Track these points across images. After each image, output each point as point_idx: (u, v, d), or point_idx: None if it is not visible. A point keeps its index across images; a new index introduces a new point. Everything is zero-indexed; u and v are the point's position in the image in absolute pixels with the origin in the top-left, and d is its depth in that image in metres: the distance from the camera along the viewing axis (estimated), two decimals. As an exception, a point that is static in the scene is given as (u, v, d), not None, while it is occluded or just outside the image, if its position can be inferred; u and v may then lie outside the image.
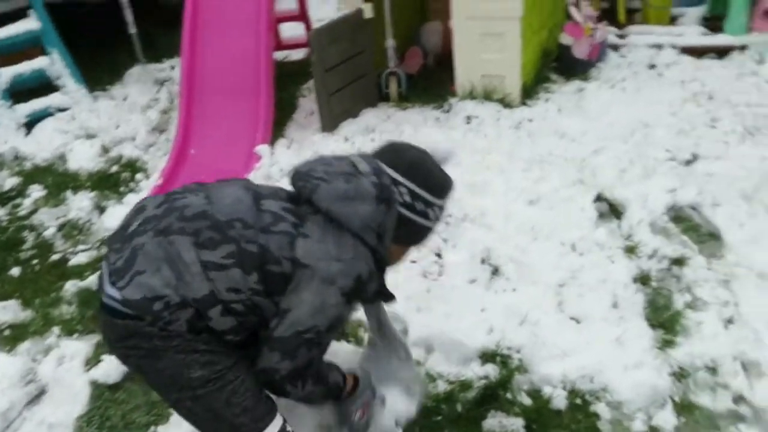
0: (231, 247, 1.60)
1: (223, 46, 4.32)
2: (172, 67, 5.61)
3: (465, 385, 2.47)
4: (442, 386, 2.49)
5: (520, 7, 4.06)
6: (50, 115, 4.94)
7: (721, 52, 4.68)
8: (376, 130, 4.30)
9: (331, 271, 1.62)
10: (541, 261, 2.99)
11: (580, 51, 4.42)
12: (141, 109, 5.10)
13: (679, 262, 2.94)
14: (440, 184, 1.83)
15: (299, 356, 1.66)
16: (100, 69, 5.74)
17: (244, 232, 1.61)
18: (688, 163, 3.58)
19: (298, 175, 1.74)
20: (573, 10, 4.42)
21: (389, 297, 1.99)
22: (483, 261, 3.02)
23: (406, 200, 1.75)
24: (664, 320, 2.63)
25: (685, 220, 3.25)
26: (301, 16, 5.39)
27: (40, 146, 4.66)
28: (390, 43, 4.66)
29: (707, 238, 3.12)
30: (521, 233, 3.19)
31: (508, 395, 2.41)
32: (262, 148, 3.98)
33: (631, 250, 3.04)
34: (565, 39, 4.54)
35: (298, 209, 1.69)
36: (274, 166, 3.93)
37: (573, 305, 2.74)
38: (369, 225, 1.67)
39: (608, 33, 4.84)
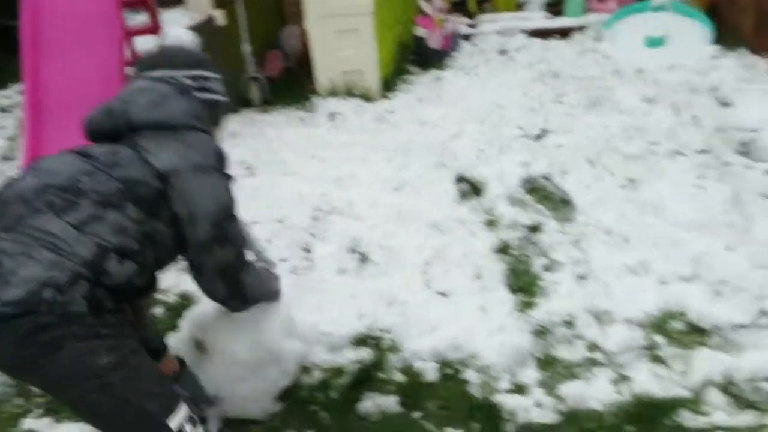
0: (92, 196, 1.56)
1: (70, 65, 4.11)
2: (21, 93, 5.31)
3: (339, 372, 2.48)
4: (317, 375, 2.50)
5: (370, 3, 4.14)
6: None
7: (564, 33, 4.98)
8: (239, 135, 4.26)
9: (195, 161, 1.69)
10: (408, 244, 3.06)
11: (434, 42, 4.57)
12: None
13: (535, 229, 3.09)
14: (198, 58, 1.94)
15: (230, 236, 1.76)
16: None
17: (95, 180, 1.59)
18: (539, 137, 3.78)
19: (96, 118, 1.76)
20: (424, 4, 4.56)
21: None
22: (352, 250, 3.05)
23: (194, 84, 1.85)
24: (524, 284, 2.76)
25: (539, 190, 3.42)
26: (154, 28, 5.24)
27: None
28: (247, 48, 4.63)
29: (560, 204, 3.30)
30: (388, 220, 3.25)
31: (382, 375, 2.45)
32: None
33: (491, 223, 3.17)
34: (420, 31, 4.67)
35: (123, 142, 1.71)
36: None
37: (439, 281, 2.81)
38: (188, 113, 1.76)
39: (459, 23, 5.03)
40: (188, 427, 1.65)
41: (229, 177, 1.80)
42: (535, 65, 4.56)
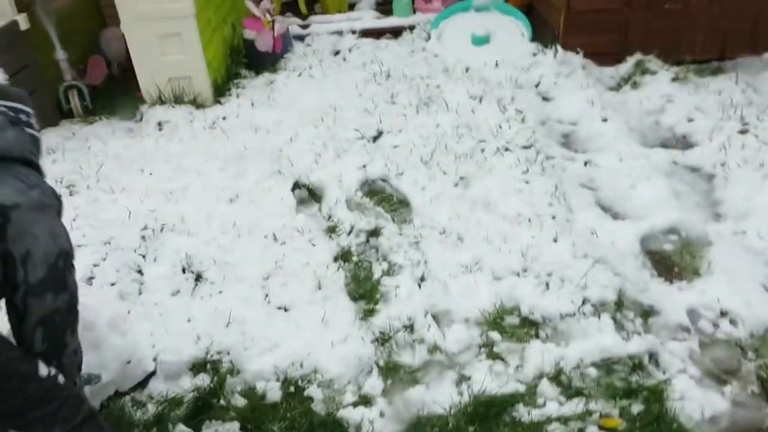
0: None
1: None
2: None
3: (175, 402, 2.34)
4: (151, 410, 2.33)
5: (191, 5, 3.95)
6: None
7: (396, 33, 5.04)
8: (59, 149, 3.91)
9: (35, 198, 1.63)
10: (245, 257, 2.95)
11: (263, 44, 4.45)
12: None
13: (375, 233, 3.09)
14: (21, 94, 1.89)
15: (69, 283, 1.70)
16: None
17: None
18: (375, 139, 3.79)
19: None
20: (249, 5, 4.42)
21: None
22: (184, 270, 2.89)
23: (12, 116, 1.78)
24: (365, 291, 2.74)
25: (377, 193, 3.43)
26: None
27: None
28: (61, 54, 4.27)
29: (398, 205, 3.33)
30: (224, 233, 3.11)
31: (222, 402, 2.33)
32: None
33: (331, 230, 3.12)
34: (248, 33, 4.53)
35: None
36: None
37: (279, 295, 2.73)
38: (23, 146, 1.71)
39: (289, 23, 4.94)
40: (52, 370, 1.71)
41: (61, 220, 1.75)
42: (368, 65, 4.58)
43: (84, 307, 2.31)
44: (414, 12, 5.12)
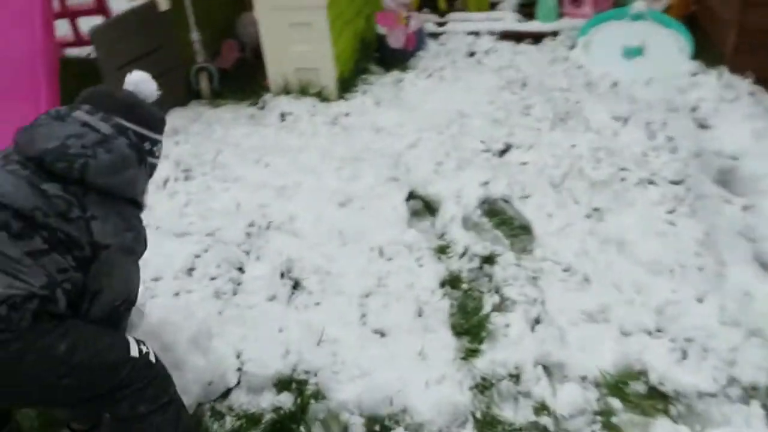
0: (44, 233, 1.60)
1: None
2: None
3: (254, 420, 2.19)
4: (229, 423, 2.20)
5: (323, -2, 3.81)
6: None
7: (537, 38, 4.68)
8: (182, 131, 3.91)
9: (127, 243, 1.71)
10: (347, 269, 2.77)
11: (395, 40, 4.24)
12: None
13: (489, 259, 2.81)
14: (160, 120, 1.90)
15: (122, 325, 1.81)
16: None
17: (47, 220, 1.60)
18: (502, 153, 3.48)
19: (53, 155, 1.66)
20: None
21: None
22: (283, 274, 2.74)
23: (135, 142, 1.80)
24: (471, 326, 2.47)
25: (497, 213, 3.14)
26: (100, 8, 4.84)
27: None
28: (195, 36, 4.27)
29: (519, 231, 3.02)
30: (330, 239, 2.95)
31: (302, 428, 2.16)
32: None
33: (442, 250, 2.87)
34: (381, 28, 4.34)
35: (69, 188, 1.66)
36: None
37: (377, 317, 2.52)
38: (137, 187, 1.78)
39: (425, 21, 4.71)
40: (143, 348, 1.79)
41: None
42: (503, 71, 4.25)
43: (165, 325, 2.24)
44: (560, 17, 4.72)
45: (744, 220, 2.90)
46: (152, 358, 1.81)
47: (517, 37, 4.69)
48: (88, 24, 5.02)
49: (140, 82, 1.89)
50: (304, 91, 4.12)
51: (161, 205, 3.17)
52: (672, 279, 2.56)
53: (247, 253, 2.91)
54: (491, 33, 4.68)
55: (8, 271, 1.54)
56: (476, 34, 4.70)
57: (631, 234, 2.80)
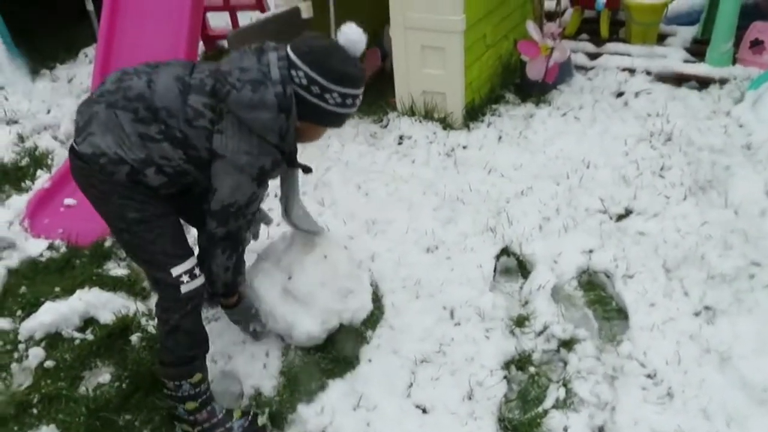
0: (161, 126, 2.00)
1: (144, 34, 3.98)
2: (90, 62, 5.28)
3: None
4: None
5: (462, 21, 3.61)
6: (-16, 95, 4.70)
7: (704, 83, 4.15)
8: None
9: (240, 162, 2.02)
10: (412, 326, 2.63)
11: (534, 72, 3.95)
12: (81, 92, 4.83)
13: (568, 344, 2.53)
14: (338, 72, 2.03)
15: (229, 224, 2.14)
16: (56, 46, 5.49)
17: (170, 120, 2.00)
18: (620, 218, 3.13)
19: (219, 74, 2.04)
20: (530, 27, 3.93)
21: (306, 169, 2.42)
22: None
23: (303, 83, 2.03)
24: (522, 423, 2.24)
25: (595, 288, 2.83)
26: (258, 4, 5.01)
27: (-38, 129, 4.42)
28: (334, 45, 4.26)
29: (614, 314, 2.71)
30: (404, 287, 2.82)
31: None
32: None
33: (519, 323, 2.64)
34: (524, 56, 4.07)
35: (217, 105, 2.02)
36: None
37: (424, 389, 2.36)
38: (270, 129, 2.01)
39: (574, 51, 4.35)
40: (185, 278, 2.10)
41: (260, 186, 2.12)
42: (650, 119, 3.81)
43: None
44: (734, 62, 4.15)
45: None
46: (184, 288, 2.10)
47: (678, 79, 4.19)
48: (246, 18, 5.25)
49: (349, 35, 2.06)
50: (428, 115, 3.98)
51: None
52: (776, 418, 2.15)
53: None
54: (648, 72, 4.22)
55: (116, 138, 1.99)
56: (631, 71, 4.26)
57: (741, 347, 2.38)
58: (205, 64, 2.16)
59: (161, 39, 3.91)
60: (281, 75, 2.00)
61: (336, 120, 2.17)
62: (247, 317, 2.52)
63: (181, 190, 2.18)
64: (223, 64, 2.07)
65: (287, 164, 2.26)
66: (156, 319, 2.28)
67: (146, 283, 2.93)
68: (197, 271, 2.15)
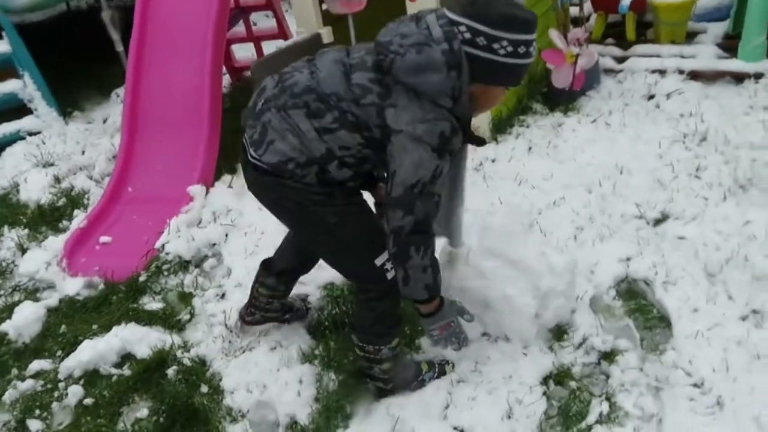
0: (335, 113, 1.95)
1: (169, 71, 4.05)
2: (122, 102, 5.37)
3: None
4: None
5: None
6: (22, 138, 4.85)
7: (739, 78, 4.03)
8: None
9: (417, 132, 1.90)
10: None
11: (560, 80, 3.89)
12: (114, 131, 4.93)
13: (609, 356, 2.45)
14: (501, 17, 1.89)
15: (416, 209, 1.96)
16: (87, 88, 5.64)
17: (341, 104, 1.95)
18: (657, 222, 3.04)
19: (379, 46, 1.96)
20: (553, 34, 3.88)
21: (480, 141, 2.22)
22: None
23: (466, 37, 1.90)
24: (564, 440, 2.17)
25: (636, 297, 2.75)
26: (281, 33, 5.07)
27: (2, 173, 4.56)
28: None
29: (656, 322, 2.62)
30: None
31: None
32: (195, 189, 3.68)
33: (558, 336, 2.56)
34: (549, 65, 4.01)
35: (383, 78, 1.95)
36: (206, 208, 3.62)
37: (461, 410, 2.31)
38: (441, 90, 1.90)
39: (602, 55, 4.27)
40: (388, 265, 2.13)
41: (442, 158, 1.94)
42: (683, 119, 3.71)
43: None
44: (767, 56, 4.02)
45: None
46: (389, 275, 2.14)
47: (712, 76, 4.08)
48: (270, 47, 5.31)
49: None
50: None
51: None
52: (835, 424, 2.03)
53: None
54: (680, 71, 4.12)
55: (296, 139, 1.98)
56: (662, 72, 4.17)
57: (793, 352, 2.27)
58: (361, 44, 2.12)
59: (187, 74, 3.98)
60: (444, 32, 1.89)
61: (511, 75, 1.99)
62: (452, 313, 2.30)
63: (367, 181, 2.23)
64: (381, 35, 1.98)
65: (464, 139, 2.08)
66: (359, 306, 2.34)
67: (182, 315, 2.96)
68: (388, 265, 2.16)
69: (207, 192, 3.74)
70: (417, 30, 1.93)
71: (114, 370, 2.68)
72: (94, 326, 2.93)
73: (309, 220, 2.11)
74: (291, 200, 2.07)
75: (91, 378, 2.66)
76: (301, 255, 2.55)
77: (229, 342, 2.75)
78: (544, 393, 2.33)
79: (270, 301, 2.62)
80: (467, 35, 1.89)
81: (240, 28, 5.28)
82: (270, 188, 2.10)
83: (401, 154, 1.92)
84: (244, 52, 5.59)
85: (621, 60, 4.38)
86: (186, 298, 3.07)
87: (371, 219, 2.21)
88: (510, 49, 1.90)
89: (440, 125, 1.91)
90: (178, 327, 2.91)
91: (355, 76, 1.97)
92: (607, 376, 2.40)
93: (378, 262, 2.13)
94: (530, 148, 3.73)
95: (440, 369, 2.44)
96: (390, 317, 2.28)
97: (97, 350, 2.69)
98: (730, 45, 4.26)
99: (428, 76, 1.88)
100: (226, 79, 5.36)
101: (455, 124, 1.93)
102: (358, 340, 2.32)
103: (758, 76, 3.92)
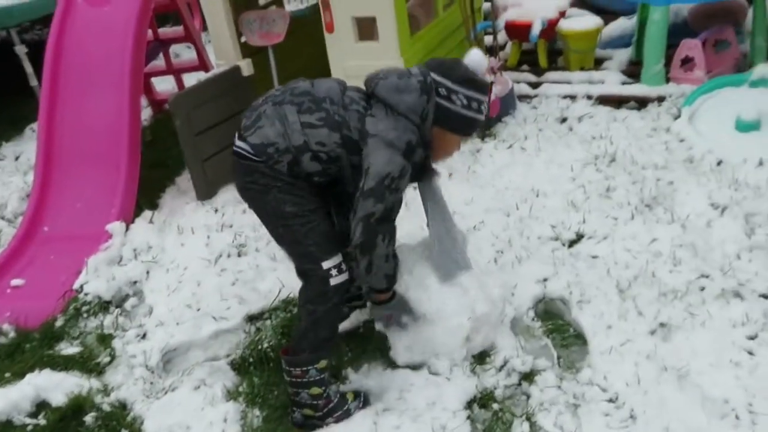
0: (322, 114, 2.26)
1: (85, 105, 3.95)
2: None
3: None
4: None
5: (400, 64, 3.67)
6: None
7: (642, 103, 4.25)
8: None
9: (389, 137, 2.24)
10: (372, 373, 2.59)
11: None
12: (27, 168, 4.77)
13: (529, 376, 2.52)
14: (461, 77, 2.33)
15: (386, 199, 2.23)
16: (1, 125, 5.46)
17: (331, 107, 2.28)
18: (572, 243, 3.15)
19: (368, 78, 2.38)
20: (467, 63, 4.00)
21: (434, 172, 2.60)
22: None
23: (440, 92, 2.33)
24: (488, 462, 2.21)
25: (553, 317, 2.84)
26: (201, 65, 5.04)
27: None
28: (278, 99, 4.29)
29: (573, 341, 2.71)
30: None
31: None
32: (115, 226, 3.60)
33: (480, 360, 2.62)
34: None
35: (368, 98, 2.35)
36: (126, 245, 3.54)
37: (388, 439, 2.32)
38: (413, 109, 2.28)
39: (517, 82, 4.43)
40: (334, 272, 2.34)
41: (408, 161, 2.26)
42: (594, 141, 3.88)
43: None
44: (667, 81, 4.26)
45: None
46: (332, 281, 2.33)
47: (617, 101, 4.29)
48: (192, 79, 5.27)
49: (473, 57, 2.45)
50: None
51: (208, 283, 3.17)
52: (737, 427, 2.15)
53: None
54: (588, 96, 4.31)
55: (281, 127, 2.24)
56: (572, 97, 4.36)
57: (698, 362, 2.39)
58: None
59: (104, 108, 3.89)
60: (420, 71, 2.34)
61: (465, 124, 2.39)
62: (401, 308, 2.60)
63: (330, 183, 2.39)
64: (369, 75, 2.41)
65: (422, 168, 2.45)
66: (300, 309, 2.47)
67: (101, 358, 2.87)
68: (344, 266, 2.37)
69: (127, 228, 3.66)
70: (400, 70, 2.41)
71: (29, 420, 2.56)
72: (7, 374, 2.80)
73: (270, 206, 2.31)
74: (258, 184, 2.28)
75: (4, 429, 2.55)
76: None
77: (151, 383, 2.69)
78: (468, 417, 2.38)
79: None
80: (432, 84, 2.32)
81: (161, 61, 5.23)
82: (243, 172, 2.32)
83: (375, 153, 2.23)
84: (165, 85, 5.54)
85: (535, 86, 4.56)
86: (106, 339, 2.98)
87: (328, 223, 2.43)
88: (465, 102, 2.33)
89: (408, 135, 2.27)
90: (97, 371, 2.82)
91: (349, 92, 2.37)
92: (528, 396, 2.47)
93: (325, 265, 2.32)
94: (450, 174, 3.82)
95: (365, 398, 2.47)
96: (324, 328, 2.39)
97: (9, 400, 2.57)
98: (634, 71, 4.51)
99: (404, 96, 2.27)
100: (148, 112, 5.30)
101: (419, 138, 2.31)
102: (287, 363, 2.39)
103: (660, 99, 4.16)
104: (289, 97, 2.30)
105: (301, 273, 2.47)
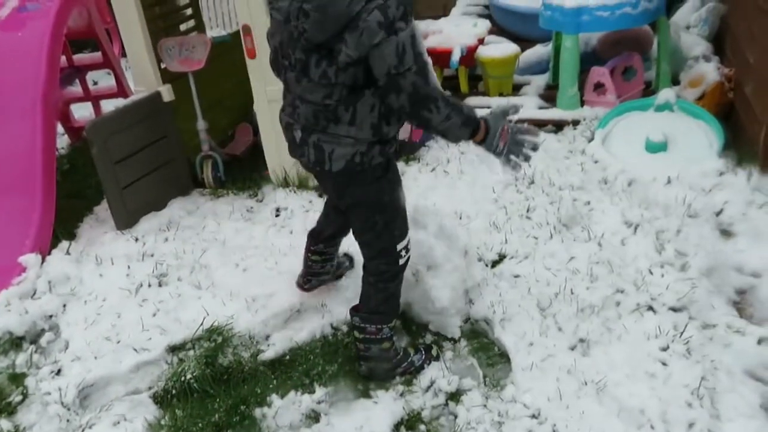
0: (323, 90, 2.24)
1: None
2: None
3: None
4: None
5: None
6: None
7: (559, 125, 4.41)
8: (176, 225, 3.85)
9: (373, 25, 2.05)
10: (286, 405, 2.56)
11: (399, 132, 4.05)
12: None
13: (455, 396, 2.54)
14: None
15: (417, 85, 2.11)
16: None
17: (316, 71, 2.23)
18: (495, 263, 3.22)
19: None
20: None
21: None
22: (228, 406, 2.56)
23: None
24: (413, 485, 2.21)
25: (479, 336, 2.88)
26: (120, 92, 4.94)
27: None
28: (201, 125, 4.25)
29: (497, 359, 2.76)
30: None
31: None
32: (29, 258, 3.45)
33: (407, 382, 2.63)
34: (389, 117, 4.18)
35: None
36: (42, 278, 3.39)
37: (315, 466, 2.30)
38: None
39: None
40: (403, 252, 2.56)
41: (408, 25, 2.09)
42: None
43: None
44: (582, 105, 4.45)
45: (758, 356, 2.53)
46: (400, 261, 2.55)
47: (535, 124, 4.42)
48: (110, 106, 5.14)
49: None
50: (302, 184, 4.01)
51: (129, 314, 3.07)
52: (653, 438, 2.23)
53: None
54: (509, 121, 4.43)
55: (348, 139, 2.29)
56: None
57: (614, 374, 2.48)
58: None
59: (15, 136, 3.74)
60: None
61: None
62: (500, 120, 2.48)
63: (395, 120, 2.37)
64: None
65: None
66: (369, 284, 2.60)
67: (12, 397, 2.73)
68: (410, 246, 2.59)
69: (43, 261, 3.51)
70: None
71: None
72: None
73: (369, 195, 2.41)
74: (360, 187, 2.39)
75: None
76: (342, 218, 2.78)
77: (67, 421, 2.58)
78: (396, 439, 2.38)
79: (323, 266, 2.98)
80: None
81: (78, 87, 5.09)
82: (341, 184, 2.44)
83: (379, 57, 2.08)
84: (83, 112, 5.38)
85: (456, 111, 4.65)
86: (18, 378, 2.84)
87: (402, 201, 2.54)
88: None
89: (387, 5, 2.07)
90: (8, 411, 2.67)
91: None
92: (455, 416, 2.49)
93: (399, 246, 2.51)
94: (376, 198, 3.84)
95: (427, 351, 2.74)
96: (395, 298, 2.63)
97: None
98: (550, 95, 4.68)
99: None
100: (65, 140, 5.14)
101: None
102: (361, 321, 2.59)
103: (575, 123, 4.33)
104: (289, 108, 2.39)
105: (380, 254, 2.55)
